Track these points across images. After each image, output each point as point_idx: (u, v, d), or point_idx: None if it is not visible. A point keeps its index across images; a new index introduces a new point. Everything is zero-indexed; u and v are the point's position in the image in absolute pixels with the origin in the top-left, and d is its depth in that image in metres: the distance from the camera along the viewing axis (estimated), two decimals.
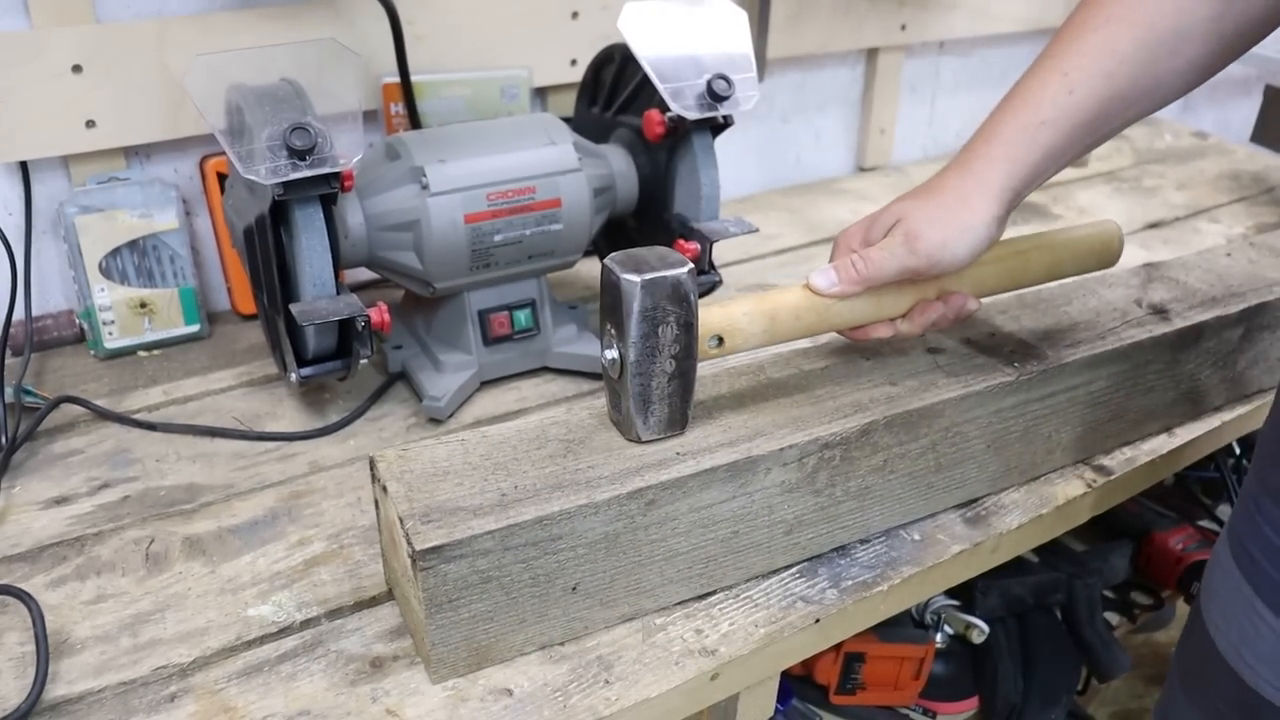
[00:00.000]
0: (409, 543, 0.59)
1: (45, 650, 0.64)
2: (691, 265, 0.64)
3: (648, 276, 0.62)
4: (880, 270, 0.68)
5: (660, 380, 0.65)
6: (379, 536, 0.71)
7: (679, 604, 0.70)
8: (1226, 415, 0.94)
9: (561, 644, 0.67)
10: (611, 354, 0.66)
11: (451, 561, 0.59)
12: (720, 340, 0.67)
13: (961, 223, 0.67)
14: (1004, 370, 0.77)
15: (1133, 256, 1.28)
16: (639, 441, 0.67)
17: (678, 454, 0.67)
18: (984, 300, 0.76)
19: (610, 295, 0.64)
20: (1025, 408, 0.79)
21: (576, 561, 0.64)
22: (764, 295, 0.69)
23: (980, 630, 1.19)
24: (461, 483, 0.64)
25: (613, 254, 0.65)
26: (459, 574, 0.60)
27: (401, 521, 0.61)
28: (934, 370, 0.77)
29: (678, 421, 0.68)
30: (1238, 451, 1.33)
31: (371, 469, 0.66)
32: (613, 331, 0.65)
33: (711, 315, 0.67)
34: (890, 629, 1.15)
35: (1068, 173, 1.57)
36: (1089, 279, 0.90)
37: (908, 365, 0.78)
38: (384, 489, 0.64)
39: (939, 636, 1.21)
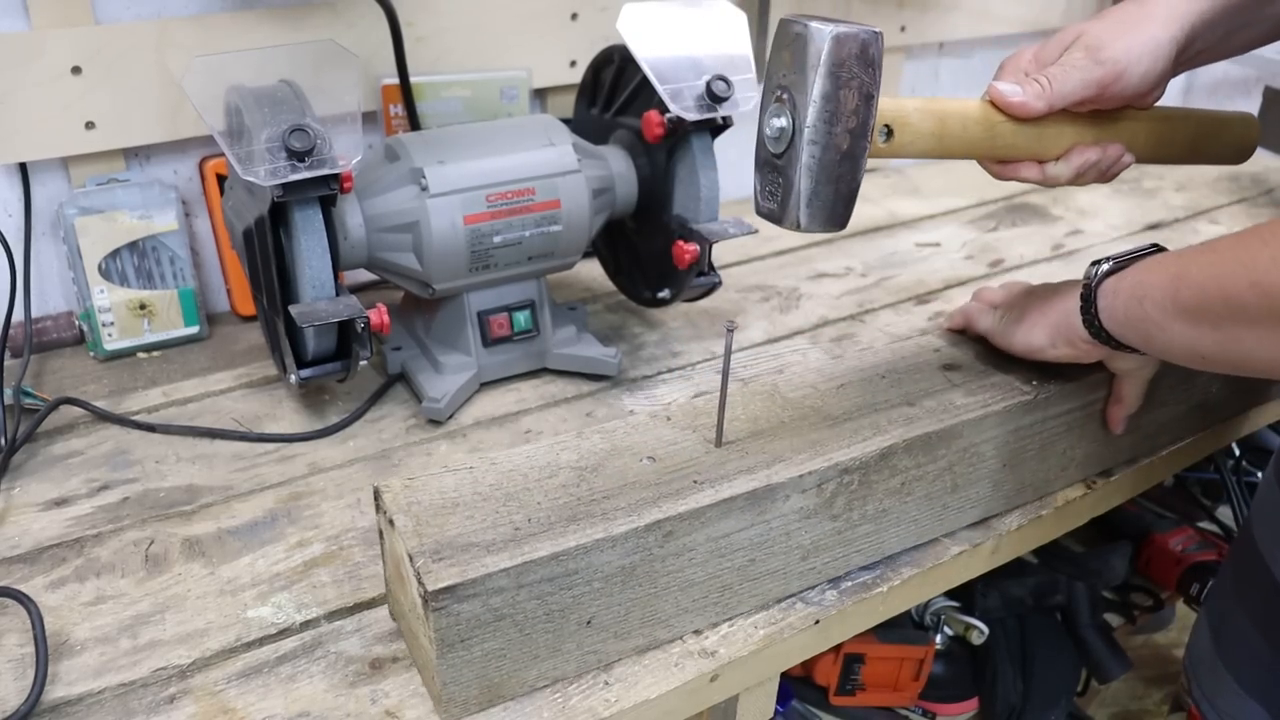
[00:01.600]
0: (420, 582, 0.57)
1: (44, 652, 0.64)
2: (881, 31, 0.60)
3: (841, 29, 0.58)
4: (1064, 86, 0.67)
5: (832, 155, 0.60)
6: (383, 567, 0.68)
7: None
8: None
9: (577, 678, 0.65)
10: (780, 122, 0.60)
11: (465, 601, 0.57)
12: (890, 133, 0.63)
13: (1145, 33, 0.67)
14: (1021, 388, 0.75)
15: None
16: (797, 228, 0.62)
17: (695, 482, 0.65)
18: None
19: (790, 50, 0.59)
20: (1042, 425, 0.77)
21: (592, 595, 0.62)
22: (936, 98, 0.66)
23: (980, 632, 1.19)
24: (472, 515, 0.62)
25: (791, 14, 0.61)
26: (472, 613, 0.58)
27: (412, 559, 0.58)
28: (950, 389, 0.75)
29: (839, 217, 0.62)
30: (1237, 453, 1.33)
31: (376, 500, 0.64)
32: (783, 95, 0.60)
33: (883, 104, 0.62)
34: (890, 630, 1.15)
35: None
36: None
37: (923, 383, 0.76)
38: (391, 522, 0.62)
39: (939, 638, 1.21)
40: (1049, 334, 0.72)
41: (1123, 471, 0.86)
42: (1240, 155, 0.82)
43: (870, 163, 0.63)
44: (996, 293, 0.82)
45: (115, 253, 0.98)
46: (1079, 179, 0.72)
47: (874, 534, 0.73)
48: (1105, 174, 0.73)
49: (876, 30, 0.59)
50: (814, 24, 0.58)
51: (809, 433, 0.70)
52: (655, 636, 0.67)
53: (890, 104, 0.63)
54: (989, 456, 0.76)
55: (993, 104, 0.68)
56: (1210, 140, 0.79)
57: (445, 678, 0.59)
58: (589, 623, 0.63)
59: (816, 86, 0.58)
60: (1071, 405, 0.78)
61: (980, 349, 0.81)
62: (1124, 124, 0.72)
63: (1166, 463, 0.90)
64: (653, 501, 0.63)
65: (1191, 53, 0.70)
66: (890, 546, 0.75)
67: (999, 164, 0.71)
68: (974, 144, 0.68)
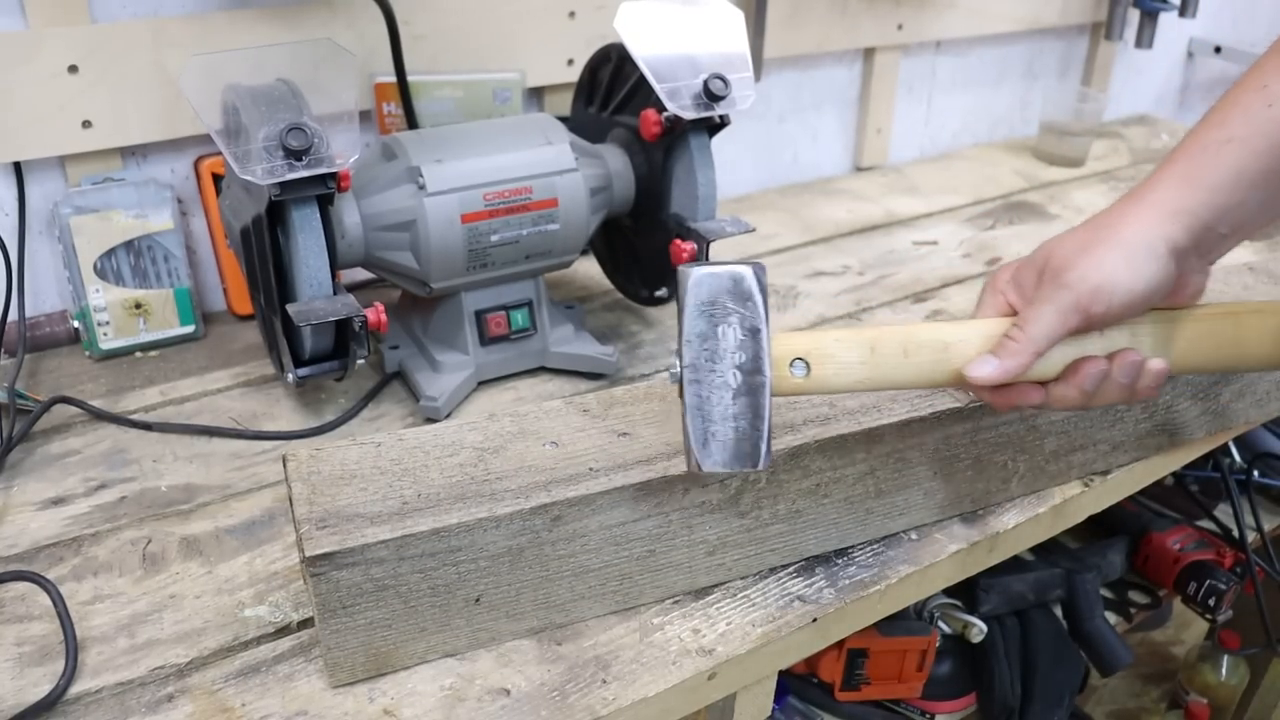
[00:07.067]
0: (301, 548, 0.59)
1: (72, 630, 0.65)
2: (761, 264, 0.58)
3: (705, 268, 0.58)
4: (1041, 326, 0.58)
5: (722, 395, 0.57)
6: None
7: (675, 601, 0.70)
8: None
9: (467, 653, 0.65)
10: (673, 364, 0.59)
11: (344, 569, 0.59)
12: (807, 366, 0.59)
13: (1117, 240, 0.57)
14: (953, 395, 0.73)
15: None
16: (699, 471, 0.59)
17: (590, 469, 0.65)
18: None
19: (676, 296, 0.59)
20: (975, 435, 0.75)
21: (479, 573, 0.63)
22: (871, 326, 0.61)
23: (979, 630, 1.19)
24: (366, 487, 0.63)
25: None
26: (353, 581, 0.59)
27: (298, 525, 0.60)
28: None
29: (747, 454, 0.58)
30: (1235, 452, 1.34)
31: (284, 467, 0.65)
32: (678, 339, 0.60)
33: (796, 338, 0.60)
34: (891, 622, 1.14)
35: (1064, 171, 1.57)
36: None
37: None
38: (290, 489, 0.63)
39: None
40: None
41: (1120, 470, 0.86)
42: None
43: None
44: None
45: (110, 252, 0.98)
46: (1095, 399, 0.61)
47: (788, 534, 0.72)
48: (1134, 390, 0.61)
49: (754, 265, 0.58)
50: (684, 267, 0.58)
51: None
52: (551, 619, 0.67)
53: (804, 337, 0.60)
54: (917, 464, 0.74)
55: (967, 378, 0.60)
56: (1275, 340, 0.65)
57: (330, 642, 0.61)
58: (478, 600, 0.64)
59: (687, 326, 0.57)
60: (1010, 417, 0.76)
61: None
62: (1146, 328, 0.62)
63: (1164, 460, 0.90)
64: (543, 486, 0.63)
65: (1218, 235, 0.59)
66: (809, 548, 0.74)
67: (990, 393, 0.62)
68: (926, 373, 0.61)
